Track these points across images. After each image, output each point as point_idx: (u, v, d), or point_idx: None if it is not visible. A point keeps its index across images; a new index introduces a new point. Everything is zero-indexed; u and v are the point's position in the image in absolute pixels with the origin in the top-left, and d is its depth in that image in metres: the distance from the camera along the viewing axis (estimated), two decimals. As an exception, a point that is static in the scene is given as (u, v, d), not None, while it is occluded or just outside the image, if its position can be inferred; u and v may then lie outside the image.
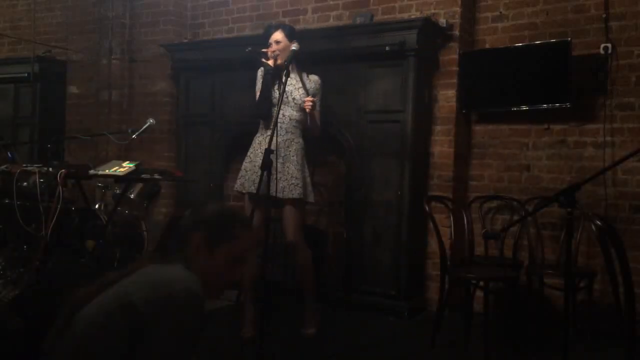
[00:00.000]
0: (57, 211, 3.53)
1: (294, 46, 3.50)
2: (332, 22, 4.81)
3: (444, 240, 3.58)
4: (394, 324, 4.05)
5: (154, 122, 4.52)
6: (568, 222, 2.41)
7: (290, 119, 3.60)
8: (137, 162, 3.83)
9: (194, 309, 1.56)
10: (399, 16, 4.48)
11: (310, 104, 3.51)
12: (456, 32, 4.29)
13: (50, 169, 3.74)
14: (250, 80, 3.84)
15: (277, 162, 3.47)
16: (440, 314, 3.55)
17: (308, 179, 3.68)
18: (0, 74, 6.22)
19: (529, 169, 4.27)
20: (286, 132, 3.58)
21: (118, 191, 4.64)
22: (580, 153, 4.09)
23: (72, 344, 1.55)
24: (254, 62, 3.77)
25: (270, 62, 3.60)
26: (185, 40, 5.42)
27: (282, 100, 3.28)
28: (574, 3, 4.12)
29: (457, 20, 4.28)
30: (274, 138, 3.20)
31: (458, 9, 4.27)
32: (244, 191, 3.66)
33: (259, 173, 3.12)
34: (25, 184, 4.02)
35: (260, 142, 3.63)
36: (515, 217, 4.24)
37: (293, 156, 3.58)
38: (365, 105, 4.37)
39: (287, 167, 3.55)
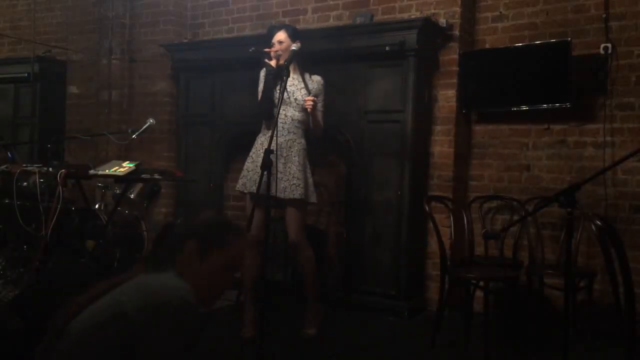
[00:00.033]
0: (57, 211, 3.53)
1: (294, 46, 3.50)
2: (332, 22, 4.81)
3: (444, 240, 3.57)
4: (394, 324, 4.05)
5: (154, 122, 4.53)
6: (568, 222, 2.42)
7: (292, 120, 3.60)
8: (137, 162, 3.82)
9: (187, 318, 1.55)
10: (399, 16, 4.48)
11: (311, 103, 3.50)
12: (456, 32, 4.29)
13: (50, 169, 3.74)
14: (250, 80, 3.84)
15: (279, 162, 3.47)
16: (440, 314, 3.55)
17: (310, 180, 3.67)
18: (0, 74, 6.22)
19: (529, 169, 4.27)
20: (288, 132, 3.58)
21: (118, 191, 4.64)
22: (580, 153, 4.09)
23: (65, 354, 1.54)
24: (254, 62, 3.77)
25: (273, 62, 3.61)
26: (185, 40, 5.41)
27: (282, 101, 3.28)
28: (574, 3, 4.12)
29: (457, 20, 4.28)
30: (275, 138, 3.19)
31: (458, 9, 4.28)
32: (245, 191, 3.66)
33: (261, 173, 3.12)
34: (25, 184, 4.02)
35: (262, 142, 3.62)
36: (515, 217, 4.24)
37: (295, 156, 3.58)
38: (365, 105, 4.37)
39: (289, 167, 3.55)
